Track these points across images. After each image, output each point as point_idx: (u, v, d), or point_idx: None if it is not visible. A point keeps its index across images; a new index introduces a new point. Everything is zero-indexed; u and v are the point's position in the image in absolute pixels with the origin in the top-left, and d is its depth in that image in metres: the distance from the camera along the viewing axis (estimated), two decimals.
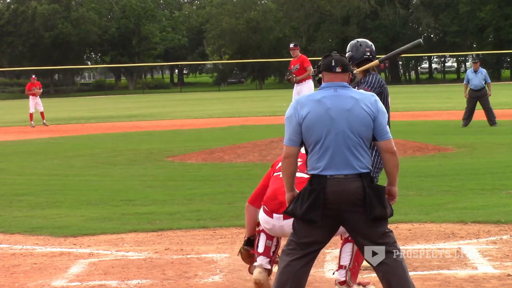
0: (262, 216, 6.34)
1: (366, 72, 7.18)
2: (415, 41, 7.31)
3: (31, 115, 32.86)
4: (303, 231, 5.31)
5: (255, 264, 6.41)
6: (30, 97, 33.17)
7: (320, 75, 5.53)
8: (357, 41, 7.38)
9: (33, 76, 34.23)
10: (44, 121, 32.72)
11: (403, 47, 7.26)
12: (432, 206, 10.15)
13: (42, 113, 32.86)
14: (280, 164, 6.33)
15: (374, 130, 5.29)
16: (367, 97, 5.35)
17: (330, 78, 5.39)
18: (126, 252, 8.13)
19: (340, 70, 5.38)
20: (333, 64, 5.39)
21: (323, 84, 5.43)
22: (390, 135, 5.36)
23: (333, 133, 5.24)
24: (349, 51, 7.30)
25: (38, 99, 32.99)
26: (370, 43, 7.39)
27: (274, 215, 6.22)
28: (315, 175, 5.27)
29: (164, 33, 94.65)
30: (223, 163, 16.11)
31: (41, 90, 33.74)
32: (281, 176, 6.15)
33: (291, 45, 18.72)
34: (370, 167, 5.32)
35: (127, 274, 7.15)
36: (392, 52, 7.25)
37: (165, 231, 9.19)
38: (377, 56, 7.24)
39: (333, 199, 5.20)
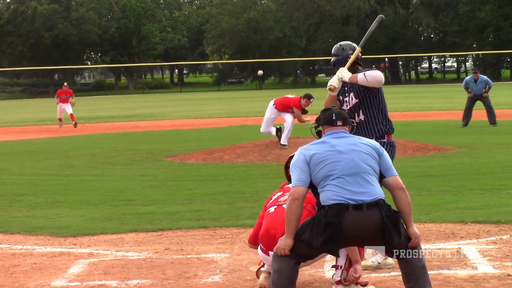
0: (260, 253, 6.37)
1: (358, 70, 7.15)
2: (377, 18, 7.25)
3: (60, 119, 32.46)
4: (303, 251, 5.42)
5: (262, 269, 6.46)
6: (59, 104, 32.59)
7: (320, 128, 5.72)
8: (340, 45, 7.35)
9: (65, 84, 33.75)
10: (75, 121, 31.96)
11: (371, 28, 7.24)
12: (432, 206, 10.15)
13: (71, 115, 32.09)
14: (271, 200, 6.38)
15: (381, 166, 5.43)
16: (369, 139, 5.58)
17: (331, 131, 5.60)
18: (126, 252, 8.13)
19: (341, 124, 5.56)
20: (334, 118, 5.57)
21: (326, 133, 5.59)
22: (396, 173, 5.49)
23: (344, 162, 5.34)
24: (334, 55, 7.28)
25: (67, 105, 32.53)
26: (353, 45, 7.36)
27: (270, 253, 6.19)
28: (331, 205, 5.30)
29: (164, 33, 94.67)
30: (223, 163, 16.12)
31: (74, 100, 33.00)
32: (271, 211, 6.24)
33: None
34: (383, 195, 5.39)
35: (127, 274, 7.15)
36: (365, 35, 7.26)
37: (165, 231, 9.19)
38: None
39: (351, 233, 5.26)
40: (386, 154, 5.51)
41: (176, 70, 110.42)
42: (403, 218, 5.43)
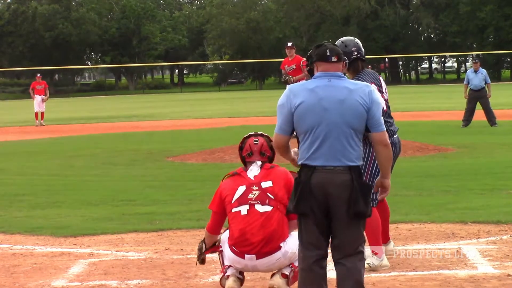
0: (231, 256, 6.17)
1: (355, 72, 7.11)
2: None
3: (36, 114, 32.84)
4: (302, 226, 5.30)
5: (227, 273, 6.24)
6: (35, 96, 32.97)
7: (311, 66, 5.40)
8: (342, 41, 7.12)
9: (38, 75, 34.12)
10: (42, 121, 32.71)
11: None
12: (432, 206, 10.15)
13: (42, 113, 32.85)
14: (235, 197, 6.14)
15: (368, 121, 5.23)
16: (361, 88, 5.27)
17: (325, 68, 5.28)
18: (126, 252, 8.13)
19: (336, 60, 5.28)
20: (328, 53, 5.28)
21: (317, 73, 5.30)
22: (384, 127, 5.30)
23: (325, 123, 5.18)
24: None
25: (42, 98, 32.83)
26: (356, 40, 7.16)
27: (246, 256, 6.09)
28: (303, 164, 5.25)
29: (164, 33, 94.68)
30: (224, 163, 16.11)
31: (48, 96, 33.32)
32: (244, 213, 6.07)
33: (289, 44, 18.61)
34: (361, 160, 5.26)
35: (127, 274, 7.15)
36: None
37: (165, 231, 9.19)
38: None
39: (319, 190, 5.16)
40: (375, 108, 5.23)
41: (176, 70, 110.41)
42: (381, 170, 5.39)
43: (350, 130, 5.19)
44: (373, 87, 5.32)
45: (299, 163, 5.29)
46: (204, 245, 6.52)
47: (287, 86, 5.41)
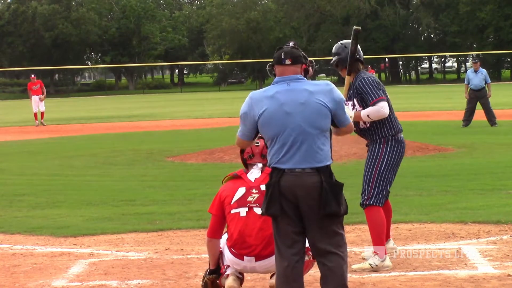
0: (231, 257, 6.18)
1: (359, 71, 7.20)
2: (353, 31, 7.04)
3: (35, 114, 33.12)
4: (276, 228, 5.33)
5: (227, 273, 6.26)
6: (32, 97, 33.23)
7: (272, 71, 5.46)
8: (341, 43, 7.36)
9: (32, 76, 34.35)
10: (42, 120, 32.91)
11: (350, 46, 7.09)
12: (432, 206, 10.16)
13: (42, 113, 32.97)
14: (235, 199, 6.13)
15: (334, 119, 5.29)
16: (322, 88, 5.29)
17: (281, 71, 5.33)
18: (126, 252, 8.13)
19: (289, 63, 5.30)
20: (282, 56, 5.33)
21: (276, 78, 5.35)
22: (350, 119, 5.41)
23: (289, 128, 5.20)
24: (336, 54, 7.27)
25: (40, 97, 33.08)
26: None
27: (245, 257, 6.10)
28: (274, 167, 5.28)
29: (164, 33, 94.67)
30: (223, 163, 16.11)
31: (45, 95, 33.57)
32: (243, 215, 6.06)
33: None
34: (329, 160, 5.27)
35: (127, 274, 7.15)
36: (349, 57, 7.12)
37: (165, 231, 9.19)
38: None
39: (289, 192, 5.19)
40: (337, 105, 5.26)
41: (177, 70, 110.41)
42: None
43: (315, 131, 5.22)
44: (333, 85, 5.35)
45: (270, 166, 5.33)
46: (208, 266, 6.45)
47: (249, 94, 5.41)
